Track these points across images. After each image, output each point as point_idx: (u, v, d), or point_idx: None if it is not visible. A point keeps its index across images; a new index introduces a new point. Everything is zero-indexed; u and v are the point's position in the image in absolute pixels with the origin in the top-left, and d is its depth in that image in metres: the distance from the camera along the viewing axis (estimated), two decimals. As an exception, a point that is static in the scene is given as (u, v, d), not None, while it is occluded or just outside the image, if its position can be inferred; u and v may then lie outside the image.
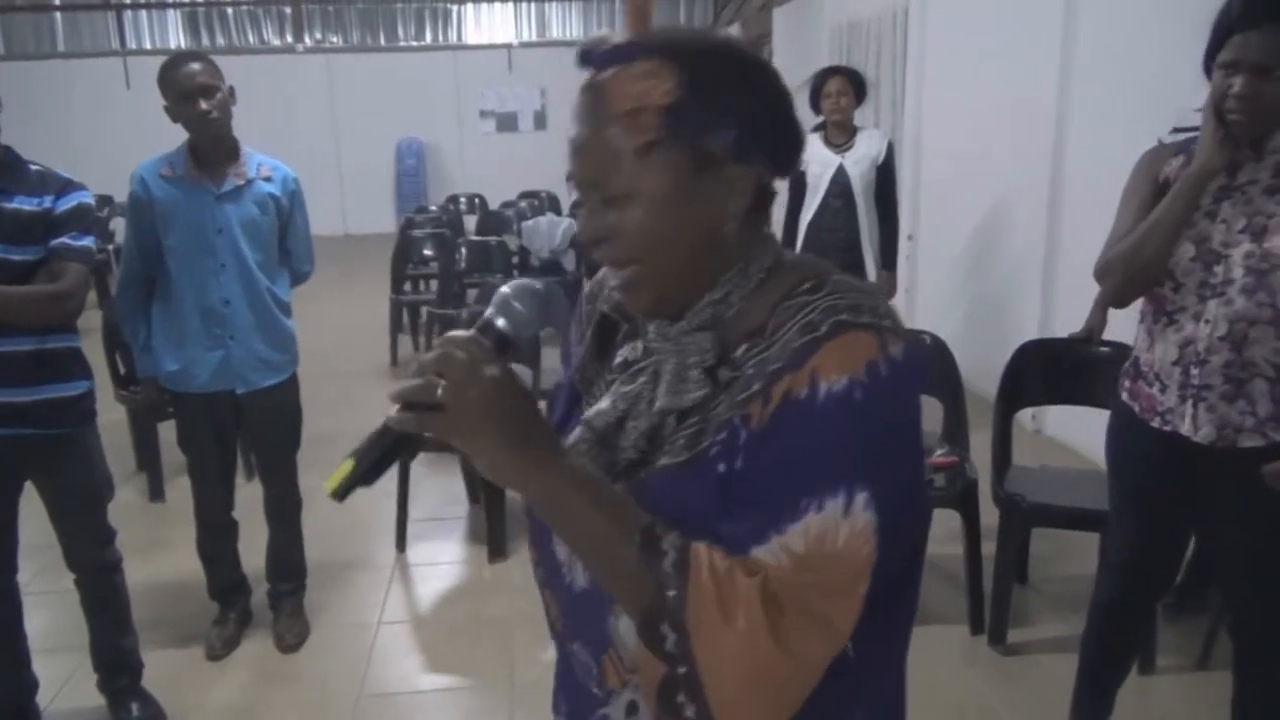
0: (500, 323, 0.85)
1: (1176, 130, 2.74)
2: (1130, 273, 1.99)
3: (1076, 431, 4.33)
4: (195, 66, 2.64)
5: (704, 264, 0.88)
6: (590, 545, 0.82)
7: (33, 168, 2.32)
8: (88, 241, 2.34)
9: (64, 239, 2.30)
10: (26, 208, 2.26)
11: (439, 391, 0.78)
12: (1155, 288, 2.00)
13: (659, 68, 0.82)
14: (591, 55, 0.86)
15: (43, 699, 2.64)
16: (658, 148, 0.82)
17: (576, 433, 0.94)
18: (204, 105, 2.62)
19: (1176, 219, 1.92)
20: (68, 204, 2.31)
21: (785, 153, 0.90)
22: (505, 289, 0.87)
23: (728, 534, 0.79)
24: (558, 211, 8.75)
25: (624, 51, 0.84)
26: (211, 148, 2.72)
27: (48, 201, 2.29)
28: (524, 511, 0.99)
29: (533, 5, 12.71)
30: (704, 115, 0.83)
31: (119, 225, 9.73)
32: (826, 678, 0.80)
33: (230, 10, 12.24)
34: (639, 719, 0.89)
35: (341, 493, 0.83)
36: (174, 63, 2.67)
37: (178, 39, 12.07)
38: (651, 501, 0.83)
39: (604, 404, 0.94)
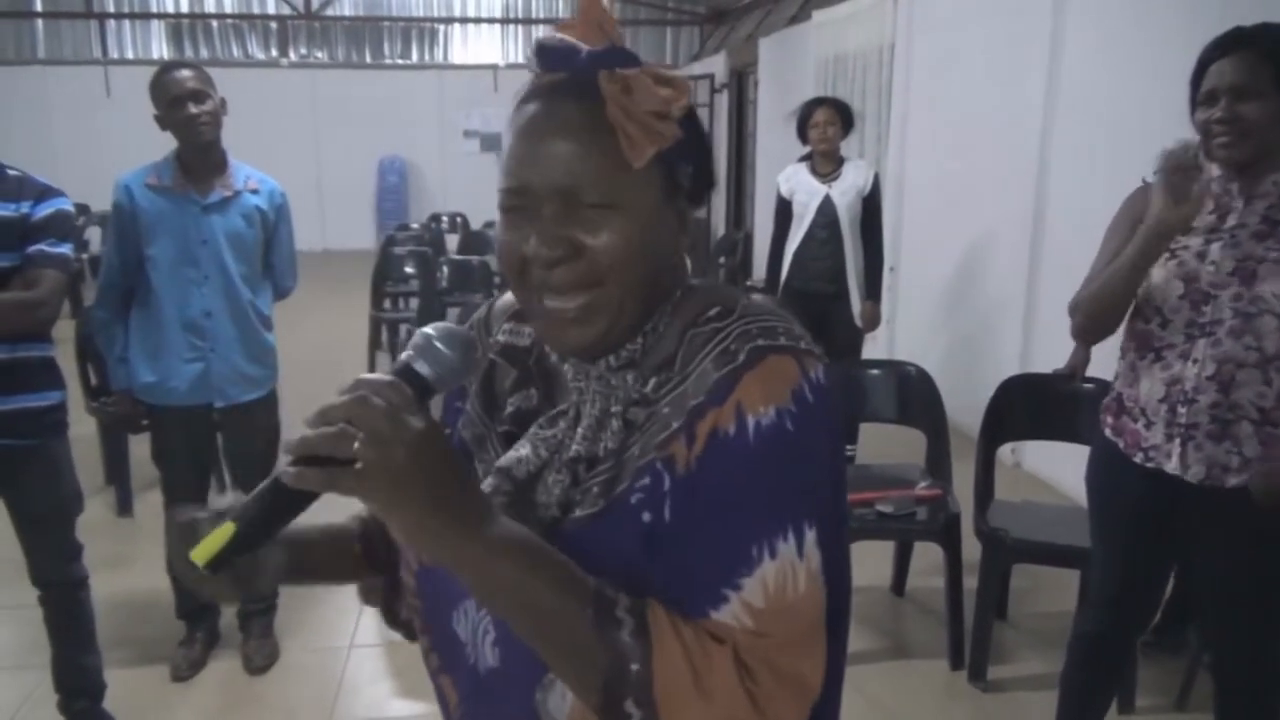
0: (423, 368, 0.75)
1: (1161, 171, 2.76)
2: (1092, 316, 2.04)
3: (1055, 467, 4.34)
4: (188, 73, 2.64)
5: (651, 298, 0.82)
6: (532, 618, 0.73)
7: (10, 173, 2.28)
8: (65, 249, 2.30)
9: (41, 246, 2.25)
10: (3, 213, 2.22)
11: (355, 445, 0.67)
12: (1142, 324, 2.01)
13: (676, 76, 0.78)
14: (563, 58, 0.79)
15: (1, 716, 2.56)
16: (649, 163, 0.78)
17: (489, 482, 0.84)
18: (194, 110, 2.60)
19: (1132, 271, 1.94)
20: (46, 210, 2.27)
21: (702, 194, 0.88)
22: (429, 330, 0.77)
23: (674, 595, 0.73)
24: (540, 234, 8.76)
25: (619, 57, 0.79)
26: (199, 157, 2.69)
27: (25, 207, 2.24)
28: (413, 594, 0.90)
29: (519, 27, 12.76)
30: (684, 143, 0.80)
31: (95, 234, 9.64)
32: None
33: (215, 23, 12.20)
34: None
35: (216, 564, 0.71)
36: (167, 68, 2.68)
37: (161, 50, 12.00)
38: (567, 557, 0.75)
39: (524, 451, 0.85)
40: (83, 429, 4.29)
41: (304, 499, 0.71)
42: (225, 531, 0.71)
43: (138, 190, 2.67)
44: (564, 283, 0.79)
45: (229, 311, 2.75)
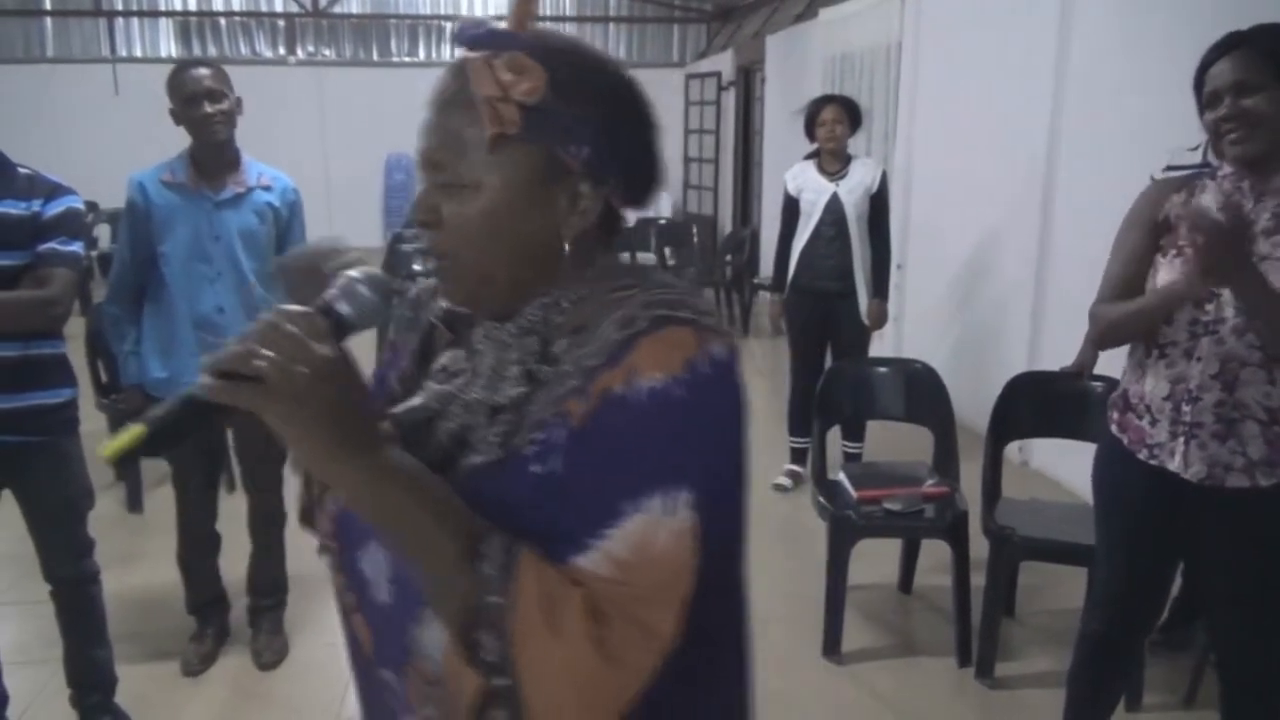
0: (343, 307, 0.80)
1: (1170, 168, 2.76)
2: (1107, 337, 2.10)
3: (1063, 464, 4.34)
4: (205, 71, 2.66)
5: (529, 271, 0.85)
6: (409, 544, 0.77)
7: (21, 171, 2.29)
8: (76, 247, 2.31)
9: (52, 244, 2.26)
10: (14, 211, 2.23)
11: (261, 362, 0.72)
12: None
13: (529, 64, 0.80)
14: (464, 35, 0.84)
15: (12, 713, 2.58)
16: (511, 144, 0.81)
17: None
18: (209, 109, 2.62)
19: (1154, 322, 1.99)
20: (56, 209, 2.28)
21: (642, 185, 0.88)
22: (353, 272, 0.83)
23: (547, 540, 0.76)
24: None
25: (499, 39, 0.82)
26: (213, 154, 2.71)
27: (36, 205, 2.25)
28: (329, 536, 0.93)
29: (526, 26, 12.77)
30: (564, 123, 0.81)
31: (104, 231, 9.66)
32: (661, 685, 0.77)
33: (223, 21, 12.22)
34: None
35: (121, 459, 0.76)
36: (185, 66, 2.70)
37: (169, 48, 12.02)
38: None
39: (414, 400, 0.91)
40: (93, 425, 4.32)
41: (212, 410, 0.75)
42: (136, 432, 0.75)
43: (152, 187, 2.69)
44: (429, 246, 0.86)
45: (242, 307, 2.76)
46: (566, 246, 0.84)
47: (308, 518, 0.99)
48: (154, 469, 4.06)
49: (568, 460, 0.77)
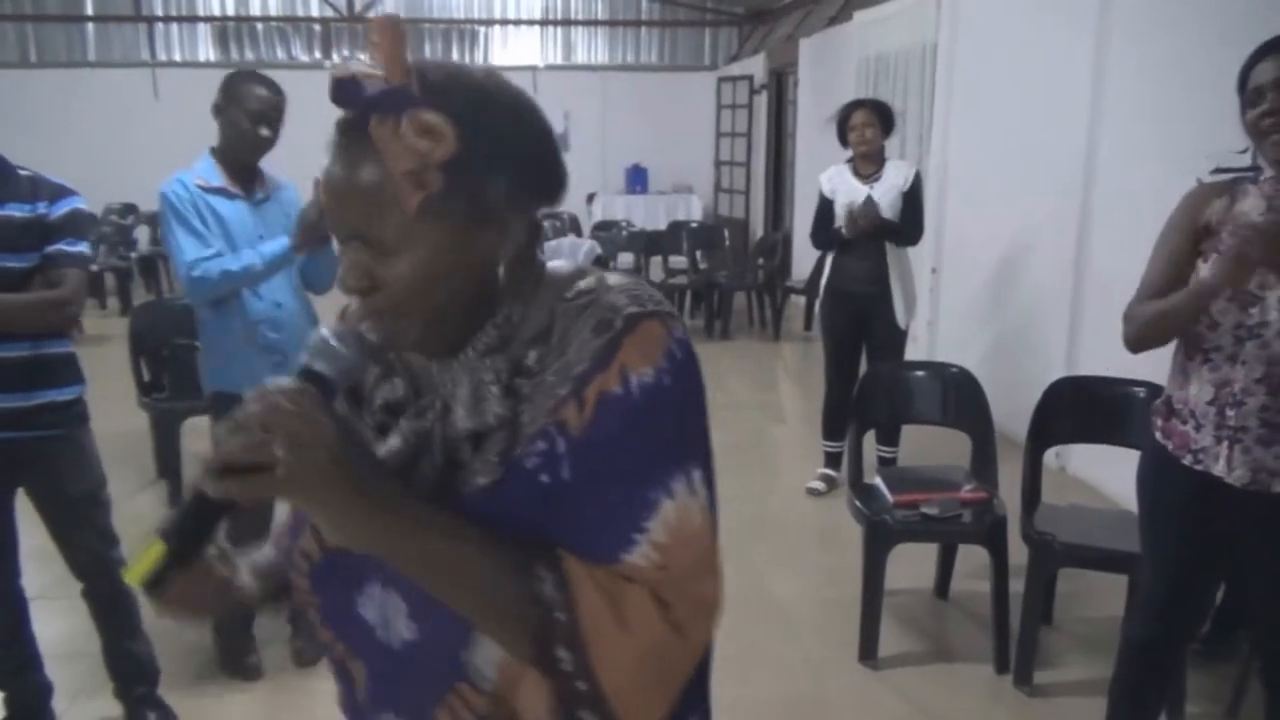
0: (323, 368, 0.79)
1: (1219, 171, 2.73)
2: (1142, 339, 2.06)
3: (1102, 470, 4.29)
4: (275, 96, 2.71)
5: (473, 303, 0.85)
6: (461, 585, 0.78)
7: (22, 173, 2.31)
8: (84, 247, 2.35)
9: (60, 245, 2.29)
10: (19, 214, 2.25)
11: (277, 450, 0.70)
12: (1191, 325, 2.00)
13: (435, 122, 0.77)
14: (348, 95, 0.79)
15: (59, 705, 2.62)
16: (433, 201, 0.79)
17: None
18: (266, 133, 2.69)
19: (1185, 319, 1.97)
20: (62, 210, 2.31)
21: (554, 188, 0.88)
22: (323, 331, 0.82)
23: (584, 546, 0.79)
24: (579, 233, 8.78)
25: (395, 99, 0.78)
26: (245, 161, 2.76)
27: (41, 208, 2.28)
28: (306, 592, 0.93)
29: (558, 29, 12.81)
30: (480, 167, 0.80)
31: (143, 234, 9.81)
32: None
33: (260, 26, 12.37)
34: None
35: (152, 582, 0.73)
36: (254, 78, 2.74)
37: (207, 52, 12.18)
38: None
39: (393, 442, 0.90)
40: (136, 425, 4.40)
41: (226, 508, 0.74)
42: (155, 550, 0.72)
43: (193, 188, 2.71)
44: (369, 310, 0.84)
45: (296, 301, 2.85)
46: (501, 271, 0.85)
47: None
48: (196, 468, 4.12)
49: (574, 467, 0.80)
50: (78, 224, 2.34)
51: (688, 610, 0.79)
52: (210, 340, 2.84)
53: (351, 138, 0.80)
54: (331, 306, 3.01)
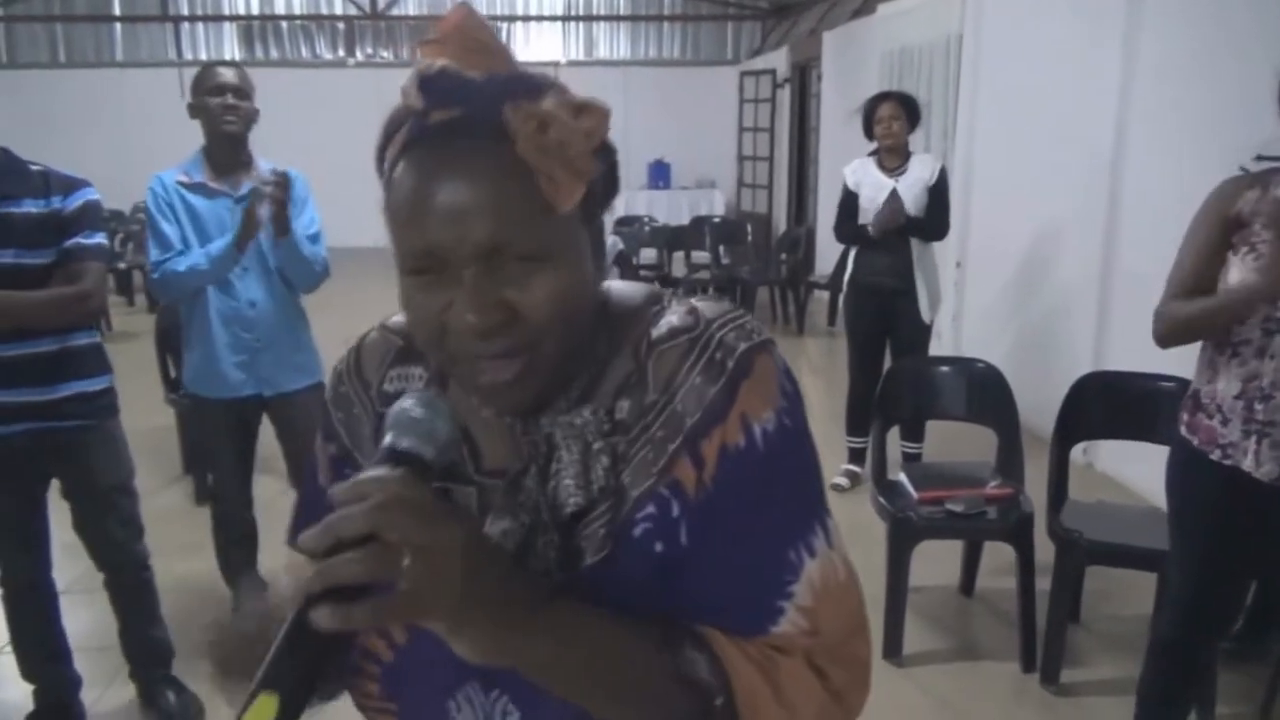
0: (407, 444, 0.65)
1: (1261, 158, 2.67)
2: (1172, 337, 2.04)
3: (1129, 467, 4.24)
4: (232, 71, 2.74)
5: (582, 339, 0.73)
6: (613, 686, 0.69)
7: (33, 169, 2.32)
8: (100, 239, 2.37)
9: (77, 239, 2.30)
10: (35, 210, 2.26)
11: (405, 565, 0.57)
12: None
13: (589, 100, 0.68)
14: (450, 92, 0.67)
15: (88, 696, 2.65)
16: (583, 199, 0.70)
17: None
18: (231, 100, 2.68)
19: (1222, 324, 1.95)
20: (76, 203, 2.32)
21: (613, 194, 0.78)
22: (406, 404, 0.68)
23: (724, 618, 0.71)
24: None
25: (525, 84, 0.68)
26: (226, 151, 2.75)
27: (56, 202, 2.29)
28: (379, 698, 0.80)
29: (580, 25, 12.82)
30: (599, 154, 0.71)
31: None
32: None
33: (284, 24, 12.46)
34: None
35: None
36: (214, 63, 2.80)
37: (233, 50, 12.29)
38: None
39: (505, 522, 0.75)
40: (163, 419, 4.44)
41: (341, 639, 0.59)
42: (268, 707, 0.57)
43: (170, 186, 2.73)
44: (501, 350, 0.69)
45: (272, 300, 2.80)
46: (598, 293, 0.75)
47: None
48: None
49: (695, 532, 0.71)
50: (93, 216, 2.35)
51: (845, 676, 0.73)
52: (187, 339, 2.85)
53: (465, 135, 0.67)
54: (316, 308, 2.97)
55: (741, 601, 0.72)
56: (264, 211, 2.63)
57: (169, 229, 2.71)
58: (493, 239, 0.67)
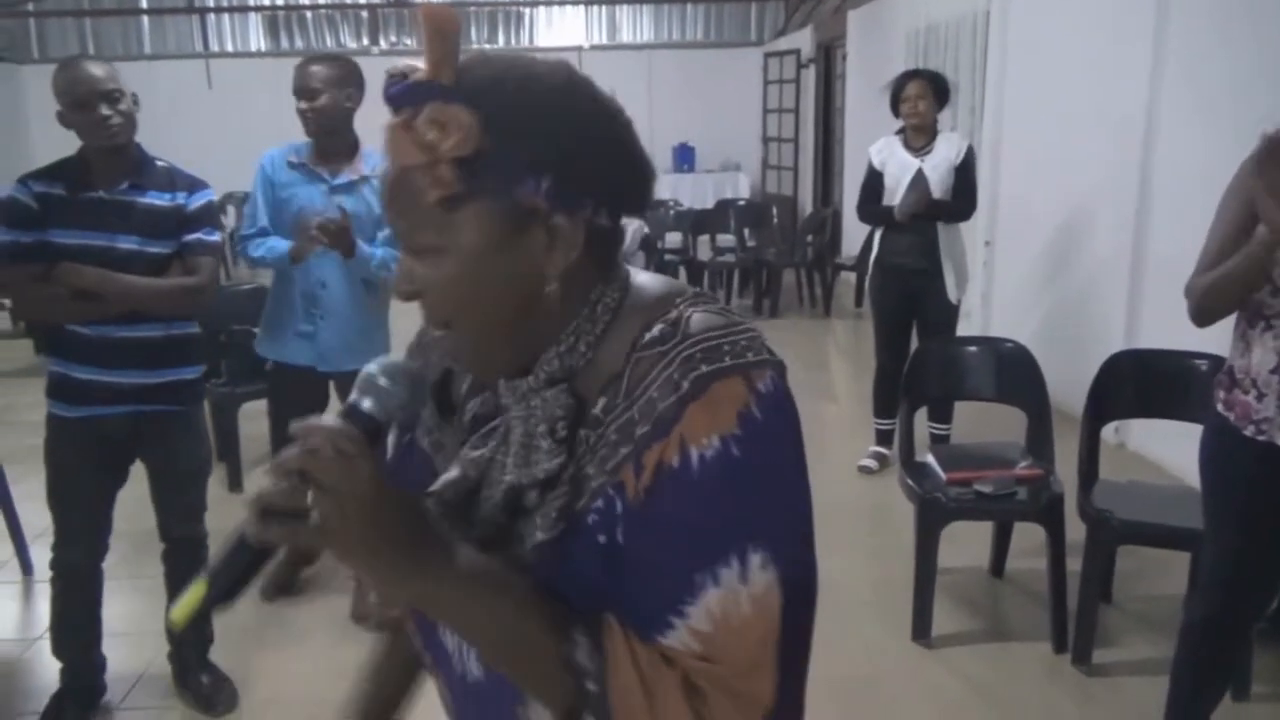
0: (368, 405, 0.75)
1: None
2: (1205, 310, 2.02)
3: (1161, 446, 4.19)
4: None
5: (531, 322, 0.79)
6: (498, 647, 0.76)
7: (159, 164, 2.47)
8: (217, 237, 2.53)
9: (198, 235, 2.45)
10: (160, 203, 2.41)
11: (309, 499, 0.67)
12: (1253, 292, 1.95)
13: (452, 114, 0.73)
14: (387, 93, 0.77)
15: (124, 683, 2.71)
16: (465, 201, 0.74)
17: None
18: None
19: (1245, 279, 1.91)
20: (199, 201, 2.47)
21: (629, 186, 0.82)
22: (371, 367, 0.78)
23: (629, 617, 0.74)
24: (627, 213, 8.77)
25: (417, 92, 0.75)
26: (330, 141, 2.91)
27: (180, 198, 2.44)
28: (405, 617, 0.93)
29: (603, 9, 12.76)
30: (510, 163, 0.74)
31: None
32: None
33: (309, 14, 12.50)
34: None
35: (193, 621, 0.72)
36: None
37: (258, 41, 12.36)
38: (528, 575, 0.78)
39: (453, 473, 0.85)
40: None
41: (269, 551, 0.71)
42: (198, 591, 0.71)
43: (279, 165, 2.96)
44: (425, 316, 0.81)
45: (343, 284, 2.95)
46: (554, 285, 0.78)
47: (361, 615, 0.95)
48: (254, 450, 4.21)
49: (628, 532, 0.75)
50: (212, 215, 2.50)
51: (728, 707, 0.72)
52: (267, 305, 3.10)
53: (388, 137, 0.77)
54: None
55: (640, 604, 0.74)
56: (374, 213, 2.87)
57: (259, 207, 2.96)
58: (397, 224, 0.79)
